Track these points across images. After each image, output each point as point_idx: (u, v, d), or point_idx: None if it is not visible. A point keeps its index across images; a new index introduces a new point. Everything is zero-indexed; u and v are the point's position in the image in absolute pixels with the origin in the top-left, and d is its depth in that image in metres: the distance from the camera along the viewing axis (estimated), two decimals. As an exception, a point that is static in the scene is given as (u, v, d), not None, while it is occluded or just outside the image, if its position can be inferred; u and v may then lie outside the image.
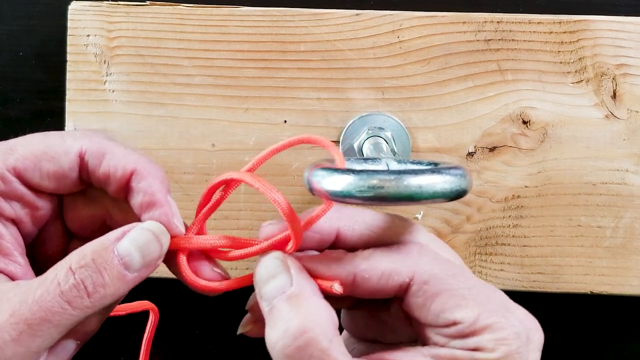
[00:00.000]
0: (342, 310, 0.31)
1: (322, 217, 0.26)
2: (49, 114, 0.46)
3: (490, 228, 0.42)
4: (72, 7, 0.42)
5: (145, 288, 0.42)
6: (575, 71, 0.41)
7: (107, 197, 0.29)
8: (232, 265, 0.39)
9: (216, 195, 0.28)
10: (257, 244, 0.27)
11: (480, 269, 0.42)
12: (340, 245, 0.27)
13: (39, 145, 0.26)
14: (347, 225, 0.27)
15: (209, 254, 0.29)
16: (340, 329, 0.26)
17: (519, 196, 0.42)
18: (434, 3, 0.44)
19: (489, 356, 0.24)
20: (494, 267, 0.42)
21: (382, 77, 0.42)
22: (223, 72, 0.42)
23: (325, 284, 0.26)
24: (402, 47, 0.41)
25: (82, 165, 0.27)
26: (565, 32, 0.41)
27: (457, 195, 0.25)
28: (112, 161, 0.27)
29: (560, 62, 0.41)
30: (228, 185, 0.28)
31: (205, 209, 0.28)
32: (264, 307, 0.26)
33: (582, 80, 0.41)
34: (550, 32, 0.41)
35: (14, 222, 0.27)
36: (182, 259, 0.27)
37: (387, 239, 0.27)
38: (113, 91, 0.42)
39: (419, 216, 0.42)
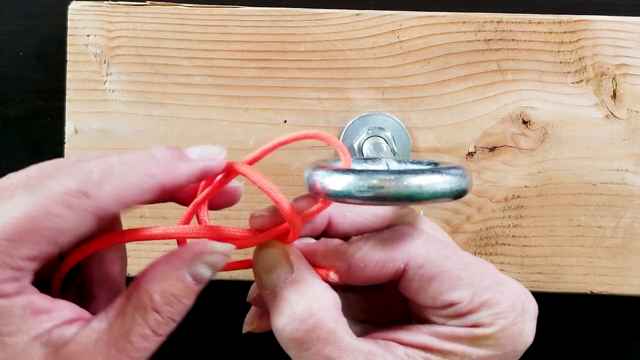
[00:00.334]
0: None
1: (319, 213, 0.26)
2: (49, 114, 0.46)
3: (490, 228, 0.42)
4: (72, 7, 0.42)
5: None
6: (575, 71, 0.41)
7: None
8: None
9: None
10: (239, 233, 0.27)
11: (480, 269, 0.42)
12: (331, 233, 0.28)
13: (47, 225, 0.23)
14: (338, 213, 0.27)
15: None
16: None
17: (519, 196, 0.42)
18: (434, 3, 0.44)
19: (488, 330, 0.25)
20: (494, 267, 0.42)
21: (382, 77, 0.42)
22: (223, 72, 0.42)
23: (321, 272, 0.27)
24: (402, 47, 0.41)
25: (98, 220, 0.24)
26: (565, 32, 0.41)
27: (457, 195, 0.25)
28: (135, 194, 0.24)
29: (560, 62, 0.41)
30: (227, 175, 0.28)
31: (198, 197, 0.28)
32: (267, 296, 0.26)
33: (582, 80, 0.41)
34: (550, 32, 0.41)
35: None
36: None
37: (378, 224, 0.27)
38: (113, 91, 0.42)
39: (421, 213, 0.42)
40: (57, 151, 0.43)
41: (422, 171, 0.24)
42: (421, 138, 0.42)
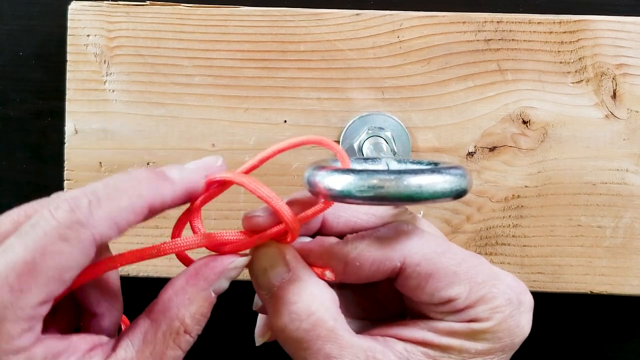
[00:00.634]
0: None
1: (318, 215, 0.26)
2: (49, 114, 0.46)
3: (490, 228, 0.42)
4: (72, 7, 0.42)
5: (146, 288, 0.42)
6: (575, 71, 0.41)
7: None
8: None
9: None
10: (234, 237, 0.27)
11: (480, 269, 0.42)
12: (326, 231, 0.28)
13: (49, 267, 0.22)
14: (332, 212, 0.27)
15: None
16: None
17: (519, 196, 0.42)
18: (434, 3, 0.44)
19: (485, 325, 0.25)
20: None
21: (382, 77, 0.42)
22: (223, 72, 0.42)
23: (317, 271, 0.27)
24: (402, 47, 0.41)
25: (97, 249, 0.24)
26: (565, 32, 0.41)
27: (457, 195, 0.25)
28: (129, 217, 0.24)
29: (560, 62, 0.41)
30: (224, 184, 0.28)
31: (193, 205, 0.27)
32: (264, 296, 0.26)
33: (582, 80, 0.41)
34: (550, 32, 0.41)
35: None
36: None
37: (373, 223, 0.27)
38: (113, 91, 0.42)
39: (419, 215, 0.42)
40: (57, 151, 0.43)
41: (422, 171, 0.24)
42: (421, 138, 0.42)
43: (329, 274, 0.26)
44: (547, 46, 0.41)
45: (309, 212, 0.26)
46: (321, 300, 0.25)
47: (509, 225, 0.42)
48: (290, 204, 0.26)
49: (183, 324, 0.24)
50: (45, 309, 0.22)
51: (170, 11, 0.42)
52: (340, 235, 0.27)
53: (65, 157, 0.42)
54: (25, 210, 0.24)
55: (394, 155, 0.40)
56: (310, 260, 0.27)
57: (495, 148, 0.42)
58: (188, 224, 0.27)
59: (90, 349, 0.24)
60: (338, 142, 0.42)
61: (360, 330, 0.27)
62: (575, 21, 0.41)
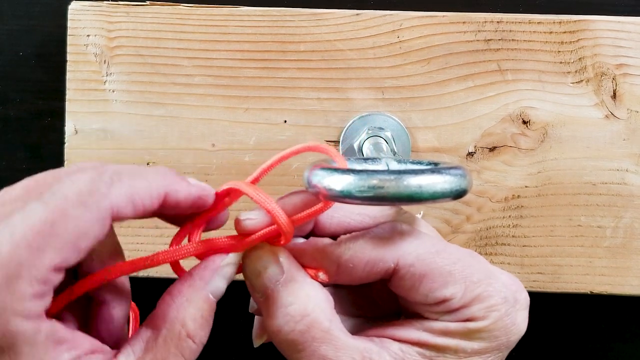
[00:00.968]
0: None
1: (316, 216, 0.26)
2: (49, 114, 0.46)
3: (490, 228, 0.42)
4: (72, 7, 0.42)
5: (145, 288, 0.42)
6: (575, 71, 0.41)
7: None
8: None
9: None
10: (227, 241, 0.27)
11: (480, 269, 0.42)
12: (319, 232, 0.28)
13: (67, 228, 0.22)
14: (325, 213, 0.27)
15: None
16: None
17: (519, 196, 0.42)
18: (434, 3, 0.44)
19: (481, 324, 0.25)
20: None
21: (382, 77, 0.42)
22: (223, 72, 0.42)
23: (310, 272, 0.26)
24: (402, 47, 0.41)
25: (113, 221, 0.24)
26: (565, 32, 0.41)
27: (457, 195, 0.25)
28: (144, 197, 0.24)
29: (560, 62, 0.41)
30: (232, 194, 0.28)
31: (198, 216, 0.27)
32: (258, 299, 0.26)
33: (582, 80, 0.41)
34: (550, 32, 0.41)
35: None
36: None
37: (366, 224, 0.27)
38: (113, 91, 0.42)
39: (419, 216, 0.42)
40: (57, 151, 0.43)
41: (422, 171, 0.24)
42: (421, 138, 0.42)
43: (322, 275, 0.26)
44: (547, 46, 0.41)
45: (304, 214, 0.26)
46: (316, 302, 0.25)
47: (509, 225, 0.42)
48: (283, 205, 0.26)
49: (184, 327, 0.24)
50: (57, 278, 0.22)
51: (170, 11, 0.42)
52: (334, 236, 0.27)
53: (65, 157, 0.42)
54: (36, 180, 0.24)
55: (394, 155, 0.40)
56: (304, 261, 0.27)
57: (495, 148, 0.42)
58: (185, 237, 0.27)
59: (91, 351, 0.24)
60: (338, 142, 0.42)
61: (355, 329, 0.27)
62: (575, 21, 0.41)
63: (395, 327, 0.26)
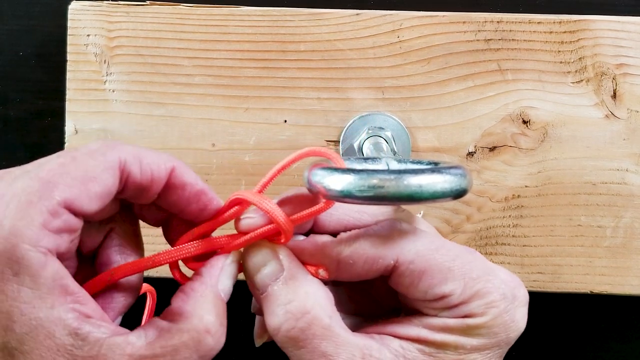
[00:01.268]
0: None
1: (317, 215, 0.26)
2: (49, 114, 0.46)
3: (490, 228, 0.42)
4: (72, 7, 0.42)
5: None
6: (575, 71, 0.41)
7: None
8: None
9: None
10: (226, 240, 0.27)
11: (480, 269, 0.42)
12: (318, 230, 0.28)
13: (77, 169, 0.23)
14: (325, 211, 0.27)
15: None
16: None
17: (519, 196, 0.42)
18: (434, 3, 0.44)
19: (480, 320, 0.25)
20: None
21: (382, 77, 0.42)
22: (223, 72, 0.42)
23: (311, 269, 0.27)
24: (402, 47, 0.41)
25: (122, 177, 0.25)
26: (565, 32, 0.41)
27: (457, 194, 0.25)
28: (152, 162, 0.25)
29: (560, 62, 0.41)
30: (240, 204, 0.28)
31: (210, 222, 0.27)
32: (259, 296, 0.27)
33: (582, 80, 0.41)
34: (550, 32, 0.41)
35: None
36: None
37: (365, 222, 0.28)
38: (113, 91, 0.42)
39: (419, 216, 0.42)
40: (57, 151, 0.43)
41: (422, 171, 0.24)
42: (421, 138, 0.42)
43: (322, 272, 0.26)
44: (547, 46, 0.41)
45: (304, 213, 0.26)
46: (316, 299, 0.25)
47: (509, 225, 0.42)
48: (283, 203, 0.27)
49: (202, 320, 0.24)
50: (70, 219, 0.23)
51: (170, 11, 0.42)
52: (333, 234, 0.27)
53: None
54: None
55: (394, 155, 0.40)
56: (304, 258, 0.27)
57: (495, 148, 0.42)
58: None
59: (101, 318, 0.24)
60: (338, 142, 0.42)
61: (354, 326, 0.27)
62: (575, 21, 0.41)
63: (395, 324, 0.26)
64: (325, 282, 0.27)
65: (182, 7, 0.42)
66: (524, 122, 0.42)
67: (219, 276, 0.26)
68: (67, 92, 0.42)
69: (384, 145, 0.40)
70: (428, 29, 0.41)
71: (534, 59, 0.41)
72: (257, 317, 0.30)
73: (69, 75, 0.42)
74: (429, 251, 0.26)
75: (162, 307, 0.27)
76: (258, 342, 0.30)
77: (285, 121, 0.42)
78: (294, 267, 0.26)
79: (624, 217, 0.42)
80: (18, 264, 0.21)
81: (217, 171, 0.42)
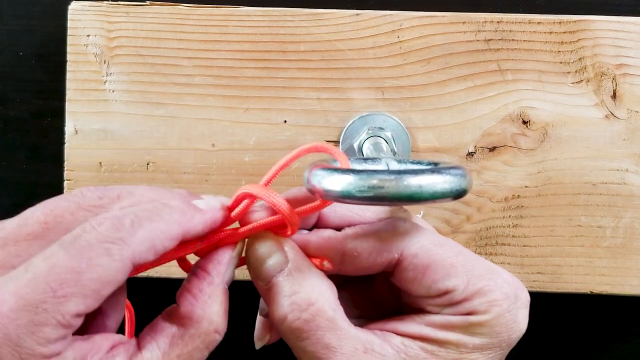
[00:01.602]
0: None
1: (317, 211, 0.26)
2: (49, 114, 0.46)
3: (490, 228, 0.42)
4: (72, 7, 0.42)
5: (146, 288, 0.42)
6: (575, 71, 0.41)
7: None
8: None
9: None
10: (228, 232, 0.27)
11: (480, 269, 0.42)
12: (322, 225, 0.28)
13: (92, 279, 0.22)
14: (328, 207, 0.27)
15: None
16: None
17: (519, 196, 0.42)
18: (434, 3, 0.44)
19: (482, 318, 0.25)
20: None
21: (382, 77, 0.42)
22: (223, 72, 0.42)
23: (315, 261, 0.27)
24: (402, 47, 0.41)
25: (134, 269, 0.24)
26: (565, 32, 0.41)
27: (457, 195, 0.25)
28: (165, 242, 0.24)
29: (560, 62, 0.41)
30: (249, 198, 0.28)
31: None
32: (262, 287, 0.27)
33: (582, 80, 0.41)
34: (550, 32, 0.41)
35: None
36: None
37: (368, 219, 0.28)
38: (113, 91, 0.42)
39: (419, 216, 0.42)
40: (57, 151, 0.43)
41: (422, 171, 0.24)
42: (421, 138, 0.42)
43: (327, 264, 0.27)
44: (547, 46, 0.41)
45: (307, 207, 0.26)
46: (321, 291, 0.26)
47: (509, 225, 0.42)
48: (287, 200, 0.27)
49: (212, 323, 0.25)
50: (79, 322, 0.22)
51: (170, 11, 0.42)
52: (337, 229, 0.27)
53: (65, 157, 0.42)
54: (51, 210, 0.24)
55: (394, 155, 0.40)
56: (308, 251, 0.27)
57: (495, 148, 0.42)
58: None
59: (112, 348, 0.24)
60: (338, 142, 0.42)
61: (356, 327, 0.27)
62: (575, 21, 0.41)
63: (397, 321, 0.26)
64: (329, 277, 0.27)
65: (182, 7, 0.42)
66: (524, 122, 0.42)
67: (227, 271, 0.26)
68: (67, 92, 0.42)
69: (384, 145, 0.40)
70: (428, 29, 0.41)
71: (534, 59, 0.41)
72: (258, 320, 0.30)
73: (69, 75, 0.42)
74: (433, 246, 0.26)
75: (162, 307, 0.27)
76: (258, 345, 0.30)
77: (285, 121, 0.42)
78: (299, 259, 0.26)
79: (624, 217, 0.42)
80: None
81: (217, 171, 0.42)
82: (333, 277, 0.27)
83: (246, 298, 0.29)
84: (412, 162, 0.31)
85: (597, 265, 0.42)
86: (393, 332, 0.26)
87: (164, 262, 0.26)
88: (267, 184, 0.27)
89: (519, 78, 0.41)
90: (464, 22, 0.41)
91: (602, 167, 0.42)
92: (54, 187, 0.43)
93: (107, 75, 0.42)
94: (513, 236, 0.42)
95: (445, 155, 0.42)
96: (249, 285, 0.31)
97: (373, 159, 0.33)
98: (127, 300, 0.32)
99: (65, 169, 0.42)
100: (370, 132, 0.41)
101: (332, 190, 0.24)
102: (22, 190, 0.47)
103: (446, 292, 0.25)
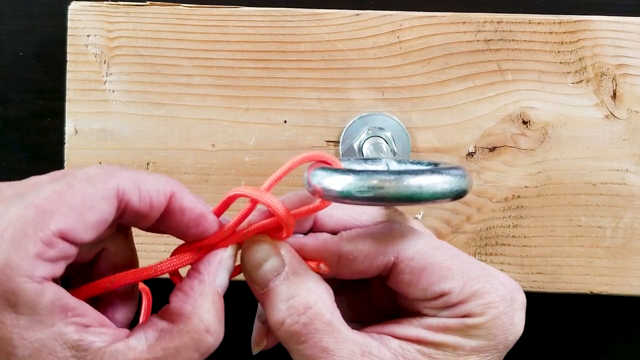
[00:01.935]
0: None
1: (315, 212, 0.26)
2: (49, 114, 0.46)
3: (490, 228, 0.42)
4: (72, 7, 0.42)
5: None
6: (575, 71, 0.41)
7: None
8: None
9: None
10: (222, 235, 0.27)
11: (480, 269, 0.42)
12: (317, 230, 0.28)
13: (74, 198, 0.23)
14: (324, 211, 0.28)
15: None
16: None
17: (519, 196, 0.42)
18: (434, 3, 0.44)
19: (479, 320, 0.25)
20: (494, 267, 0.42)
21: (382, 77, 0.42)
22: (223, 72, 0.42)
23: (311, 264, 0.27)
24: (402, 47, 0.41)
25: (120, 205, 0.24)
26: (565, 32, 0.41)
27: (457, 195, 0.25)
28: (151, 189, 0.25)
29: (560, 62, 0.41)
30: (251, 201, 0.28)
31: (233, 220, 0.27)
32: (258, 291, 0.27)
33: (582, 80, 0.41)
34: (550, 32, 0.41)
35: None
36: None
37: (364, 222, 0.28)
38: (113, 91, 0.42)
39: (419, 216, 0.42)
40: (57, 151, 0.43)
41: (422, 171, 0.24)
42: (421, 138, 0.42)
43: (323, 267, 0.26)
44: (547, 46, 0.41)
45: (305, 208, 0.26)
46: (318, 294, 0.26)
47: (509, 225, 0.42)
48: (283, 201, 0.27)
49: (202, 321, 0.24)
50: (65, 247, 0.22)
51: (170, 11, 0.42)
52: (333, 233, 0.27)
53: (65, 157, 0.42)
54: (57, 172, 0.26)
55: (394, 155, 0.40)
56: (305, 254, 0.27)
57: (495, 148, 0.42)
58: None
59: (101, 324, 0.24)
60: (338, 142, 0.42)
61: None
62: (575, 21, 0.41)
63: (394, 325, 0.27)
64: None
65: (182, 8, 0.42)
66: (524, 122, 0.42)
67: (218, 272, 0.26)
68: (67, 92, 0.42)
69: (384, 145, 0.40)
70: (428, 29, 0.41)
71: (534, 59, 0.41)
72: (255, 325, 0.30)
73: (69, 75, 0.42)
74: (429, 249, 0.26)
75: (160, 305, 0.28)
76: (255, 350, 0.30)
77: (285, 121, 0.42)
78: (296, 263, 0.26)
79: (624, 217, 0.42)
80: (15, 295, 0.21)
81: (217, 171, 0.42)
82: (330, 281, 0.27)
83: (246, 298, 0.29)
84: (412, 163, 0.31)
85: (597, 265, 0.42)
86: (390, 336, 0.26)
87: (160, 274, 0.26)
88: (268, 189, 0.27)
89: (519, 78, 0.41)
90: (464, 22, 0.41)
91: (602, 167, 0.42)
92: (54, 187, 0.43)
93: (107, 76, 0.42)
94: (513, 236, 0.42)
95: (445, 155, 0.42)
96: (247, 287, 0.31)
97: (373, 159, 0.33)
98: (147, 287, 0.32)
99: (65, 169, 0.42)
100: (370, 132, 0.41)
101: (332, 191, 0.24)
102: (22, 190, 0.47)
103: (442, 295, 0.25)
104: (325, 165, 0.26)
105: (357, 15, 0.41)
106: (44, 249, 0.22)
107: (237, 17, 0.42)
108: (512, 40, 0.41)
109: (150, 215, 0.25)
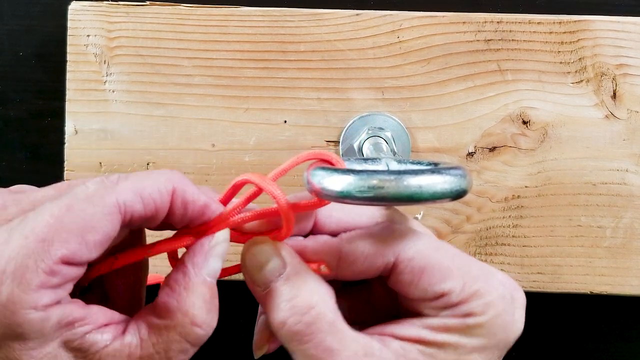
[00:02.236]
0: None
1: (312, 211, 0.27)
2: (49, 114, 0.46)
3: (490, 228, 0.42)
4: (72, 7, 0.42)
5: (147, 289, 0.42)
6: (575, 71, 0.41)
7: None
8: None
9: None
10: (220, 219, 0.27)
11: (480, 269, 0.42)
12: (317, 232, 0.28)
13: (74, 221, 0.22)
14: (324, 213, 0.28)
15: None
16: None
17: (519, 196, 0.42)
18: (434, 3, 0.44)
19: (479, 319, 0.25)
20: (494, 267, 0.42)
21: (382, 77, 0.42)
22: (223, 72, 0.42)
23: (312, 266, 0.27)
24: (402, 47, 0.41)
25: (124, 219, 0.24)
26: (565, 32, 0.41)
27: (457, 195, 0.25)
28: (153, 192, 0.24)
29: (560, 62, 0.41)
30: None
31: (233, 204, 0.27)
32: (259, 292, 0.26)
33: (582, 80, 0.41)
34: (550, 32, 0.41)
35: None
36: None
37: (364, 223, 0.28)
38: (113, 91, 0.42)
39: (419, 216, 0.42)
40: (57, 151, 0.43)
41: (422, 171, 0.24)
42: (421, 138, 0.42)
43: (323, 268, 0.26)
44: (547, 46, 0.41)
45: (304, 202, 0.26)
46: (320, 294, 0.26)
47: (509, 225, 0.42)
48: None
49: (187, 315, 0.24)
50: (70, 271, 0.22)
51: (170, 11, 0.42)
52: (333, 235, 0.27)
53: (65, 157, 0.42)
54: (53, 187, 0.26)
55: (394, 155, 0.40)
56: (305, 256, 0.27)
57: (495, 148, 0.42)
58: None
59: (105, 324, 0.24)
60: (338, 142, 0.42)
61: None
62: (575, 21, 0.41)
63: (395, 325, 0.26)
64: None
65: (182, 7, 0.42)
66: (524, 122, 0.42)
67: (205, 262, 0.26)
68: (67, 92, 0.42)
69: (384, 145, 0.40)
70: (428, 29, 0.41)
71: (534, 59, 0.41)
72: (256, 329, 0.30)
73: (69, 75, 0.42)
74: (429, 249, 0.26)
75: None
76: (257, 354, 0.30)
77: (285, 121, 0.42)
78: (297, 263, 0.26)
79: (624, 217, 0.42)
80: (21, 327, 0.22)
81: (217, 171, 0.42)
82: (330, 282, 0.27)
83: (246, 298, 0.29)
84: (412, 163, 0.31)
85: (597, 265, 0.42)
86: (391, 336, 0.26)
87: (159, 252, 0.26)
88: (274, 179, 0.27)
89: (519, 78, 0.41)
90: (464, 22, 0.41)
91: (602, 167, 0.42)
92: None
93: (107, 76, 0.42)
94: (513, 236, 0.42)
95: (445, 155, 0.42)
96: (247, 287, 0.31)
97: (373, 159, 0.33)
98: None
99: (65, 169, 0.42)
100: (370, 132, 0.41)
101: (332, 190, 0.24)
102: (22, 190, 0.47)
103: (443, 295, 0.25)
104: (326, 165, 0.26)
105: (357, 15, 0.41)
106: (46, 278, 0.22)
107: (237, 17, 0.42)
108: (512, 40, 0.41)
109: (157, 217, 0.25)
